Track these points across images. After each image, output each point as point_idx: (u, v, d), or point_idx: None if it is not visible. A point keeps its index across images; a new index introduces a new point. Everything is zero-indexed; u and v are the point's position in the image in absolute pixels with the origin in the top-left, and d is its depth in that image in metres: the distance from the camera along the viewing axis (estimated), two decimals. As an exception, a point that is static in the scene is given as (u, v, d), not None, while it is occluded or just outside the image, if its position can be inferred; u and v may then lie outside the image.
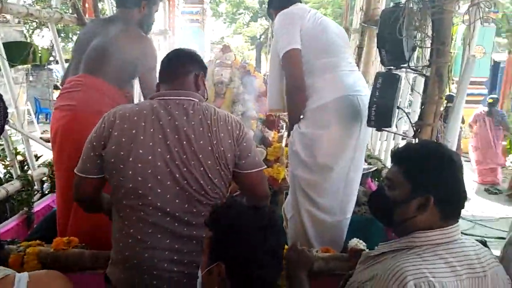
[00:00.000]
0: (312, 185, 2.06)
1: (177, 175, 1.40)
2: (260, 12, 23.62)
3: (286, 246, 1.45)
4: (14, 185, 2.65)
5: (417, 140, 1.77)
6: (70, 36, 14.53)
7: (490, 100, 6.54)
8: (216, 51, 3.82)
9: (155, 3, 2.34)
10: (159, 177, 1.39)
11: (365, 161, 2.51)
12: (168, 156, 1.40)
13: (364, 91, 2.05)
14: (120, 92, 2.22)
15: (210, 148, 1.42)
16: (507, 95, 7.75)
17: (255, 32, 22.75)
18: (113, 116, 1.45)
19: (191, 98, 1.47)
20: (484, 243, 1.59)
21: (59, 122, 2.18)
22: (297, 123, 2.09)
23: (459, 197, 1.14)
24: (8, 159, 2.95)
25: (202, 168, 1.41)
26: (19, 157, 3.15)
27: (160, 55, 2.16)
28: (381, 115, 1.79)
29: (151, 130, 1.41)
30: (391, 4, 3.16)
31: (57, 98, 2.28)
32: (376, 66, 3.39)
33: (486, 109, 6.52)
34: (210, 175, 1.41)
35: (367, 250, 1.57)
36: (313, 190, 2.06)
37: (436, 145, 1.29)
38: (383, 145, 3.27)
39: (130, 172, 1.39)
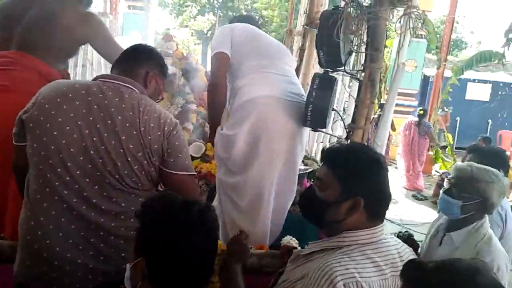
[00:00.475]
0: (233, 187, 2.01)
1: (92, 152, 1.35)
2: (208, 6, 23.40)
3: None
4: None
5: (348, 142, 1.84)
6: None
7: (421, 112, 6.99)
8: (158, 41, 3.72)
9: None
10: (72, 149, 1.35)
11: (302, 162, 2.55)
12: (87, 131, 1.36)
13: (294, 97, 1.97)
14: (58, 73, 2.07)
15: (135, 132, 1.39)
16: (434, 108, 8.34)
17: (202, 27, 22.49)
18: (49, 86, 1.45)
19: (130, 86, 1.45)
20: (411, 236, 1.69)
21: None
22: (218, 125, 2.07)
23: (386, 199, 1.18)
24: None
25: (121, 150, 1.37)
26: None
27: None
28: (317, 116, 1.84)
29: (77, 103, 1.38)
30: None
31: None
32: (316, 68, 3.49)
33: (416, 119, 6.95)
34: (129, 159, 1.38)
35: (299, 248, 1.58)
36: (236, 194, 2.01)
37: (365, 148, 1.32)
38: (319, 146, 3.38)
39: (45, 139, 1.35)
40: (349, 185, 1.15)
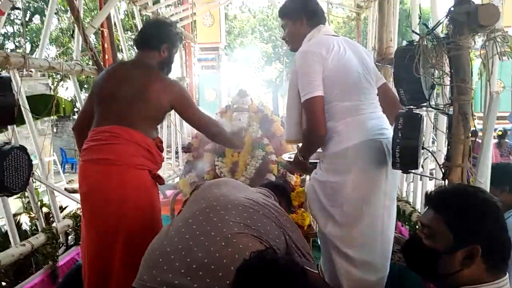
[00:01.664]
0: (345, 240, 1.93)
1: None
2: (273, 56, 24.23)
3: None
4: (39, 239, 2.65)
5: (447, 183, 1.71)
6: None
7: (500, 132, 6.52)
8: (233, 96, 3.88)
9: (174, 46, 2.35)
10: None
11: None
12: None
13: (388, 133, 1.96)
14: (153, 142, 2.21)
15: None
16: (522, 127, 7.63)
17: (271, 76, 23.21)
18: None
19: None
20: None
21: (95, 177, 2.10)
22: (314, 171, 2.08)
23: (505, 246, 1.06)
24: (33, 211, 2.98)
25: None
26: (44, 209, 3.19)
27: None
28: (406, 157, 1.74)
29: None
30: (404, 43, 3.20)
31: (84, 149, 2.20)
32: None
33: (495, 140, 6.47)
34: None
35: None
36: (347, 246, 1.92)
37: (477, 189, 1.20)
38: (410, 186, 3.18)
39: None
40: (463, 232, 1.04)
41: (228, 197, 1.76)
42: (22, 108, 2.73)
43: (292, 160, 2.30)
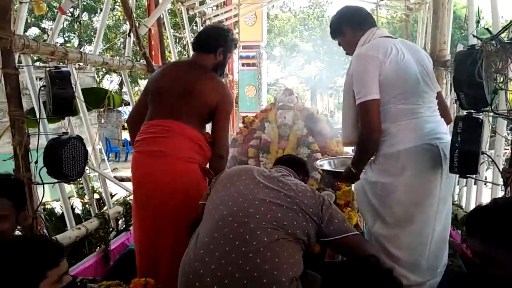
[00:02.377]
0: (393, 241, 1.92)
1: None
2: (313, 54, 24.08)
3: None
4: (93, 223, 2.79)
5: (509, 190, 1.66)
6: (137, 80, 15.60)
7: None
8: (278, 94, 3.90)
9: (229, 51, 2.42)
10: None
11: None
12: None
13: (446, 137, 1.92)
14: (203, 136, 2.26)
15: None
16: None
17: (310, 74, 23.09)
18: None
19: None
20: None
21: (149, 168, 2.17)
22: (363, 170, 2.03)
23: None
24: (86, 197, 3.13)
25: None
26: (96, 195, 3.34)
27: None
28: (466, 161, 1.70)
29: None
30: (460, 46, 3.10)
31: (137, 141, 2.28)
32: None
33: None
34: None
35: None
36: (395, 247, 1.91)
37: None
38: (463, 191, 3.09)
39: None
40: None
41: (247, 197, 1.69)
42: (78, 100, 2.87)
43: (322, 167, 2.46)
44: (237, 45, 2.51)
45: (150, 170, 2.17)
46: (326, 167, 2.49)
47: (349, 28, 2.09)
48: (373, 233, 1.99)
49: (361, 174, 2.05)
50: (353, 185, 2.82)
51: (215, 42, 2.34)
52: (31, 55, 2.53)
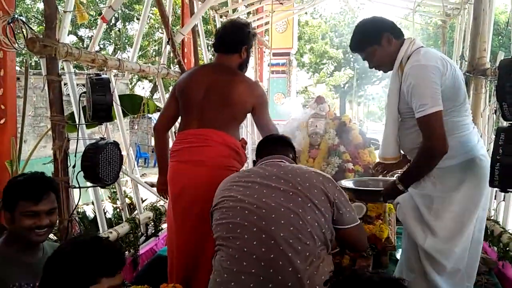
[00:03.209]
0: (446, 253, 1.91)
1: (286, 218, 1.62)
2: (343, 62, 23.85)
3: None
4: (124, 228, 2.83)
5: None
6: (169, 87, 15.89)
7: None
8: (311, 102, 3.87)
9: (251, 46, 2.39)
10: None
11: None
12: (273, 204, 1.63)
13: (485, 149, 1.94)
14: (239, 142, 2.27)
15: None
16: None
17: (339, 81, 22.89)
18: (224, 182, 1.85)
19: (283, 161, 1.84)
20: None
21: (189, 177, 2.18)
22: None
23: None
24: (119, 202, 3.19)
25: (309, 205, 1.66)
26: (127, 200, 3.40)
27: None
28: (507, 175, 1.64)
29: (256, 187, 1.70)
30: (501, 54, 2.99)
31: (174, 151, 2.30)
32: (485, 118, 3.17)
33: None
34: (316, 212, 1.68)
35: None
36: (445, 257, 1.91)
37: None
38: (500, 205, 2.97)
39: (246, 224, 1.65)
40: None
41: (268, 205, 1.61)
42: (115, 106, 2.93)
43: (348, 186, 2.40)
44: (256, 35, 2.45)
45: (191, 179, 2.18)
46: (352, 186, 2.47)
47: (391, 34, 1.96)
48: (424, 248, 1.94)
49: (414, 188, 2.00)
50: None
51: (238, 41, 2.31)
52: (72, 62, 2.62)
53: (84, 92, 2.36)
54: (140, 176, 9.61)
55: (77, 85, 2.81)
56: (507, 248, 2.51)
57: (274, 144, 1.98)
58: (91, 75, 2.30)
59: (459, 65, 4.18)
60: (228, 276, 1.50)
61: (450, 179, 1.91)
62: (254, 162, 1.97)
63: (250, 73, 7.57)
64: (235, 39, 2.32)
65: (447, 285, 1.93)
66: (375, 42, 1.98)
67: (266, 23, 6.89)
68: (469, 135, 1.94)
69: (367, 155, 3.28)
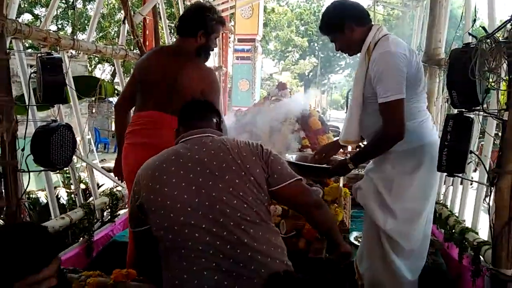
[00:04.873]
0: (406, 235, 2.00)
1: (207, 203, 1.49)
2: (308, 50, 24.03)
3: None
4: (77, 214, 2.76)
5: (494, 189, 1.68)
6: (130, 70, 15.44)
7: None
8: (272, 88, 3.88)
9: (212, 32, 2.33)
10: (189, 209, 1.49)
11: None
12: (194, 188, 1.49)
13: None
14: None
15: (234, 168, 1.51)
16: None
17: (304, 70, 23.08)
18: (143, 168, 1.63)
19: (208, 134, 1.62)
20: None
21: (138, 159, 2.06)
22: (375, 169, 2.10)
23: None
24: (73, 187, 3.09)
25: (231, 189, 1.50)
26: (82, 186, 3.30)
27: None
28: (454, 160, 1.71)
29: (172, 168, 1.52)
30: (454, 44, 3.10)
31: (127, 132, 2.32)
32: (439, 107, 3.29)
33: None
34: (241, 193, 1.52)
35: None
36: (405, 240, 2.00)
37: None
38: (448, 190, 3.12)
39: (162, 212, 1.51)
40: None
41: (209, 196, 1.49)
42: (69, 88, 2.82)
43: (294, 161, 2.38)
44: (223, 22, 2.36)
45: (140, 161, 2.12)
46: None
47: (354, 23, 1.98)
48: (385, 230, 2.02)
49: (374, 172, 2.10)
50: (340, 182, 2.83)
51: (194, 24, 2.28)
52: (23, 41, 2.49)
53: (35, 72, 2.26)
54: (99, 162, 9.42)
55: (31, 66, 2.68)
56: (453, 230, 2.65)
57: (197, 113, 1.75)
58: (42, 54, 2.20)
59: (419, 55, 4.31)
60: (188, 276, 1.43)
61: (408, 162, 1.99)
62: (177, 132, 1.74)
63: (214, 58, 7.49)
64: (191, 22, 2.30)
65: (404, 265, 2.02)
66: (338, 29, 2.01)
67: (232, 7, 6.80)
68: (426, 121, 2.03)
69: (326, 140, 3.34)
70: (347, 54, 2.17)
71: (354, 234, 2.88)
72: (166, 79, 2.22)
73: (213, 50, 2.45)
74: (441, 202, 3.05)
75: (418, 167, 1.98)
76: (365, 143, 2.20)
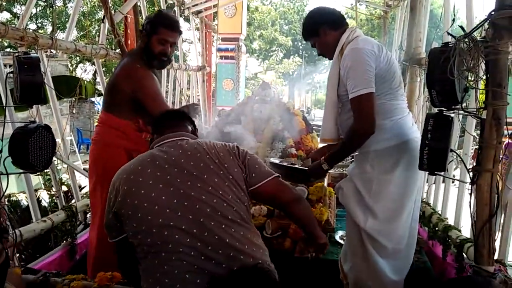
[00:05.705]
0: (386, 234, 2.01)
1: (186, 203, 1.48)
2: (292, 49, 24.10)
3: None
4: (59, 216, 2.71)
5: (474, 187, 1.70)
6: (112, 70, 15.24)
7: None
8: (256, 88, 3.87)
9: (153, 32, 2.34)
10: (167, 210, 1.47)
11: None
12: (172, 189, 1.47)
13: (419, 133, 2.02)
14: (130, 122, 2.42)
15: (212, 167, 1.51)
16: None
17: (288, 69, 23.13)
18: (118, 173, 1.60)
19: (183, 138, 1.63)
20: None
21: (90, 154, 2.54)
22: (355, 168, 2.10)
23: None
24: (54, 189, 3.02)
25: (210, 188, 1.50)
26: (64, 188, 3.24)
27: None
28: (435, 159, 1.73)
29: (148, 171, 1.51)
30: (435, 44, 3.14)
31: None
32: (420, 106, 3.34)
33: None
34: (220, 192, 1.52)
35: None
36: (386, 239, 2.01)
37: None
38: (431, 188, 3.16)
39: (139, 215, 1.48)
40: None
41: (189, 196, 1.47)
42: (47, 88, 2.77)
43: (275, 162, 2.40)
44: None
45: (90, 156, 2.52)
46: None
47: (328, 28, 2.09)
48: (365, 229, 2.03)
49: (354, 172, 2.11)
50: (325, 181, 2.84)
51: (142, 27, 2.43)
52: (0, 40, 2.43)
53: (12, 72, 2.20)
54: (82, 163, 9.25)
55: (9, 65, 2.62)
56: (436, 228, 2.69)
57: (170, 121, 1.74)
58: (19, 54, 2.15)
59: (398, 55, 4.35)
60: (170, 280, 1.40)
61: (387, 161, 2.00)
62: (151, 141, 1.73)
63: (197, 58, 7.44)
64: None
65: (389, 266, 2.03)
66: (314, 34, 2.14)
67: (215, 6, 6.77)
68: (405, 119, 2.04)
69: (310, 140, 3.35)
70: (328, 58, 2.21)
71: (340, 233, 2.90)
72: (110, 80, 2.47)
73: (160, 55, 2.39)
74: (424, 200, 3.09)
75: (396, 165, 1.99)
76: None
